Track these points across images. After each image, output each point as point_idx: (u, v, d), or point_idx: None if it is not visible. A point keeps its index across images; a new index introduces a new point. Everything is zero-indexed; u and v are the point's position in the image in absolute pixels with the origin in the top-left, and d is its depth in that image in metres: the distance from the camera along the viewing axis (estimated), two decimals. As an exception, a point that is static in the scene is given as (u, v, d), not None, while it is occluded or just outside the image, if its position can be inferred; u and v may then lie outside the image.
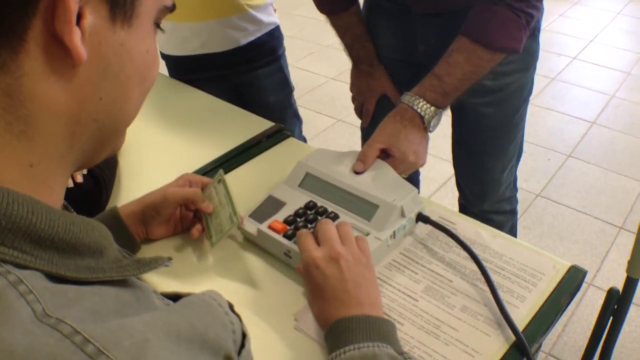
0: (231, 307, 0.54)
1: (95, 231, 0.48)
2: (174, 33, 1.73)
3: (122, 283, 0.49)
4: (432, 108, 1.21)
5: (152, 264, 0.53)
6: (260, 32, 1.76)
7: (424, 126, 1.22)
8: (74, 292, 0.43)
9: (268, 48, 1.81)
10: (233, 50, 1.74)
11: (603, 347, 1.45)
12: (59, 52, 0.43)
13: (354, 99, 1.66)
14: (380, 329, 0.79)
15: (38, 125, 0.45)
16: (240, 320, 0.54)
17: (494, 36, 1.19)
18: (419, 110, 1.20)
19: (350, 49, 1.56)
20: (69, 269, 0.44)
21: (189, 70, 1.81)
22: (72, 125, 0.47)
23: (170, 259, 0.57)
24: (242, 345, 0.52)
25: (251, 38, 1.75)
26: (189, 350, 0.43)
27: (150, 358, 0.40)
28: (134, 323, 0.42)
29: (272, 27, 1.80)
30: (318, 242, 0.92)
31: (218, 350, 0.47)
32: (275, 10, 1.84)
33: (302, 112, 2.02)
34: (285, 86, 1.91)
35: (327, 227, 0.93)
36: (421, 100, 1.20)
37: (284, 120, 1.90)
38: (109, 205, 1.18)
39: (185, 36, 1.72)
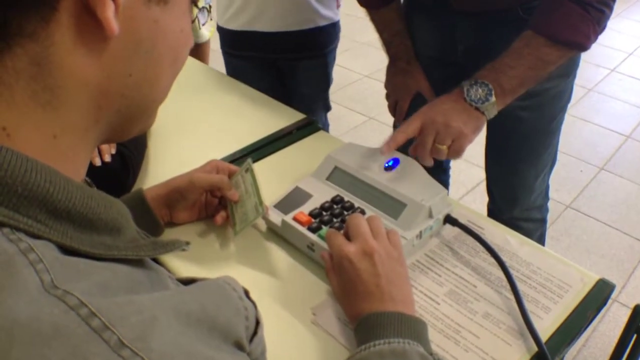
0: (246, 293, 0.53)
1: (113, 208, 0.48)
2: (230, 5, 1.74)
3: (136, 263, 0.48)
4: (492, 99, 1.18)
5: (169, 246, 0.53)
6: (313, 24, 1.74)
7: (463, 98, 1.18)
8: (85, 266, 0.42)
9: (316, 42, 1.79)
10: (281, 34, 1.73)
11: (625, 365, 1.42)
12: (91, 24, 0.43)
13: (388, 96, 1.64)
14: (412, 327, 0.78)
15: (64, 96, 0.44)
16: (255, 306, 0.53)
17: (556, 28, 1.14)
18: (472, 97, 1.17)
19: (389, 45, 1.54)
20: (83, 243, 0.43)
21: (234, 45, 1.82)
22: (99, 98, 0.46)
23: (188, 243, 0.56)
24: (255, 332, 0.52)
25: (302, 27, 1.73)
26: (197, 332, 0.42)
27: (157, 337, 0.39)
28: (143, 300, 0.41)
29: (328, 22, 1.78)
30: (348, 237, 0.90)
31: (228, 335, 0.46)
32: (339, 6, 1.80)
33: (333, 107, 2.00)
34: (322, 81, 1.89)
35: (358, 221, 0.91)
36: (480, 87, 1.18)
37: (310, 111, 1.90)
38: (135, 187, 1.18)
39: (237, 6, 1.72)
